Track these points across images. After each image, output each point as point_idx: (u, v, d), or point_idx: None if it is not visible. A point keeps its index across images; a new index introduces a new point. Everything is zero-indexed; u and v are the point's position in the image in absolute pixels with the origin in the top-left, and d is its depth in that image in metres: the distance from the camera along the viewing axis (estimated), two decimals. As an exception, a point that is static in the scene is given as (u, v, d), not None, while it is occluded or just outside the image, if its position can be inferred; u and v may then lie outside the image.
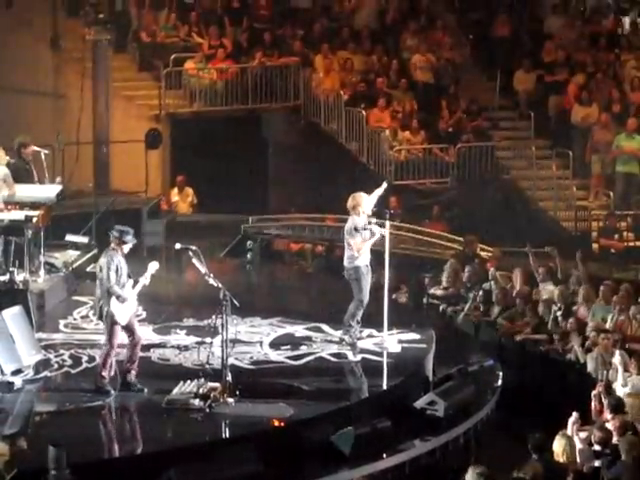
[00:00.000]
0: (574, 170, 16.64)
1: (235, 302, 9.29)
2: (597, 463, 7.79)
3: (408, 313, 12.38)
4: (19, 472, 6.84)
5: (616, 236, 15.31)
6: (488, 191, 16.70)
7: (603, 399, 9.22)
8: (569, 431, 8.44)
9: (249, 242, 15.43)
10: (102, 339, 9.69)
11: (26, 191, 11.61)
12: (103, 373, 9.21)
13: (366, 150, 16.97)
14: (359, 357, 10.44)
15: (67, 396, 9.17)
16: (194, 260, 9.52)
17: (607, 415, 8.83)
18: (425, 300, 13.48)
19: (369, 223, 10.46)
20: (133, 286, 9.26)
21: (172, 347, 10.69)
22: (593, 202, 16.49)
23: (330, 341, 10.94)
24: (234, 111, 17.50)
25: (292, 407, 8.92)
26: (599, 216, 16.05)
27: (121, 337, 9.41)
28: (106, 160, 16.11)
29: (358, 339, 10.71)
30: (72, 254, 12.98)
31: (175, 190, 16.55)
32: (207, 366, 9.66)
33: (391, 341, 10.63)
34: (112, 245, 9.22)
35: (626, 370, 9.86)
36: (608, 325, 11.34)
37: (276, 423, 8.89)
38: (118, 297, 9.11)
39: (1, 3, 17.02)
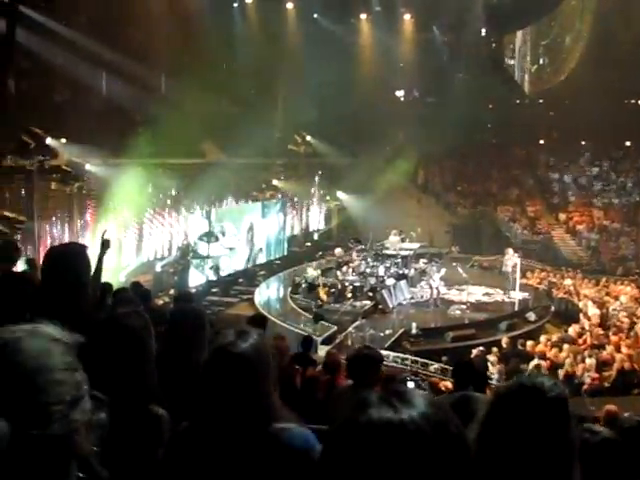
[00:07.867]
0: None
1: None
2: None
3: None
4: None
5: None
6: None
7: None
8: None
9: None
10: (426, 293, 17.44)
11: (409, 246, 19.57)
12: (429, 301, 16.86)
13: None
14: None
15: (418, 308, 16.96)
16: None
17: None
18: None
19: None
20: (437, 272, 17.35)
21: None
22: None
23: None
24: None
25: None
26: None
27: (434, 292, 16.92)
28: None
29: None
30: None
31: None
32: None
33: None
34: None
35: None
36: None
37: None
38: (434, 279, 16.87)
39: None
